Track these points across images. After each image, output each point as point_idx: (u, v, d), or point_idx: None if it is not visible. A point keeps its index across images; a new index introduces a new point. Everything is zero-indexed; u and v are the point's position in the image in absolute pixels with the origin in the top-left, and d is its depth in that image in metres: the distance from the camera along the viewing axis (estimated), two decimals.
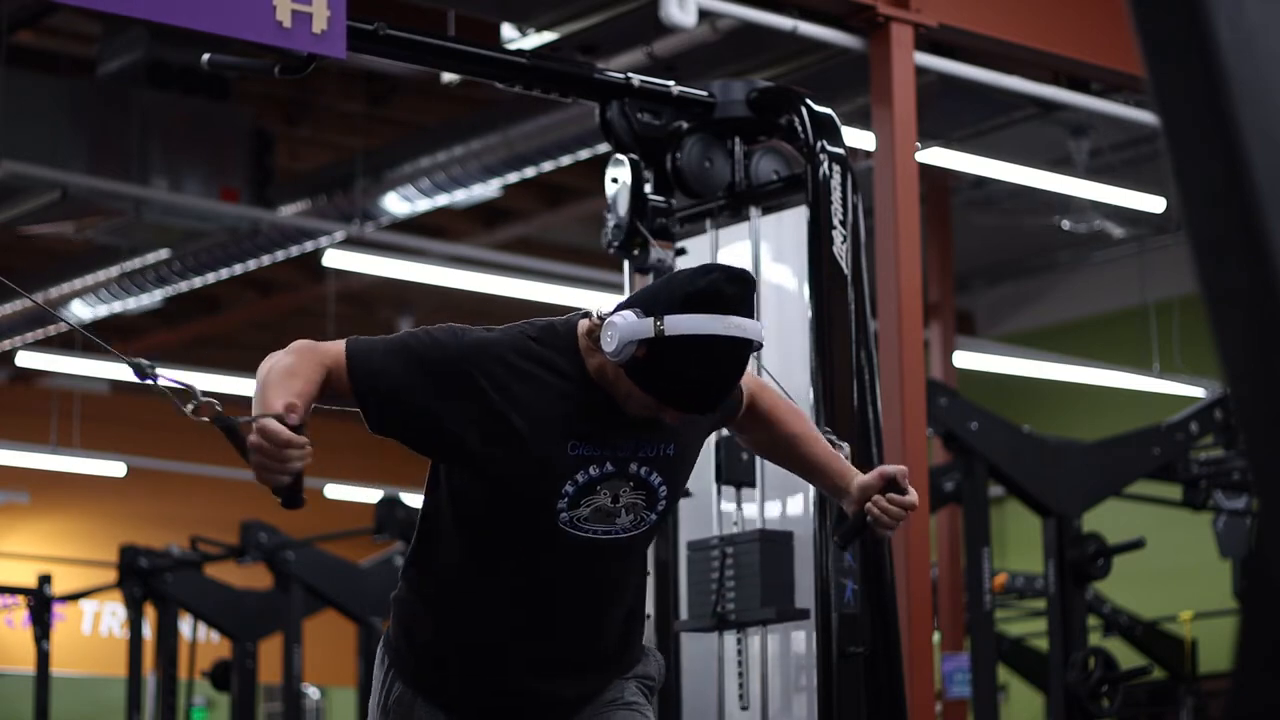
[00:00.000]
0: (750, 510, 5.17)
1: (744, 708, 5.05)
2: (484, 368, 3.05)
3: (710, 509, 5.20)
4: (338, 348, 3.09)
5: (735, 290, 3.01)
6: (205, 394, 2.96)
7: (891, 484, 3.30)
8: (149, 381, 3.01)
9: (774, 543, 4.98)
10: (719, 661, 5.15)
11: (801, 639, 5.05)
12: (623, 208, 5.14)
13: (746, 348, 3.03)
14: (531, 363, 3.08)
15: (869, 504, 3.29)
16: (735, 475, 5.12)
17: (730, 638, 5.10)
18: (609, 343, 3.01)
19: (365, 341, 3.12)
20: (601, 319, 3.06)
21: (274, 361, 3.05)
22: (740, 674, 5.06)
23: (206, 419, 2.95)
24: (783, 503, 5.15)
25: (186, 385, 2.98)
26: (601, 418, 3.09)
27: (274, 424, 2.86)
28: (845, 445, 3.76)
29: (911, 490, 3.31)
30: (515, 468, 3.05)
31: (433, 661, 3.23)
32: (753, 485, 5.14)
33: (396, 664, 3.27)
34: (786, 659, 5.09)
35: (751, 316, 3.03)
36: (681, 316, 2.97)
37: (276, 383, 2.99)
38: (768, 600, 4.93)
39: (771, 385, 3.58)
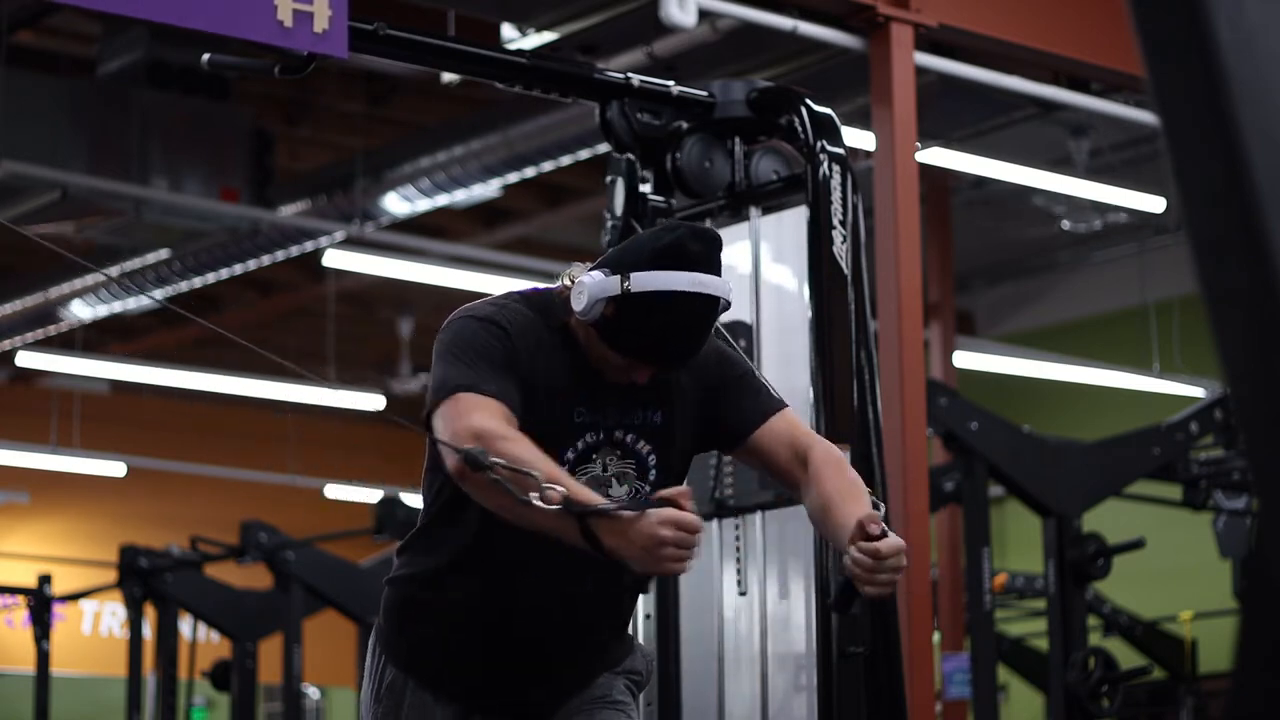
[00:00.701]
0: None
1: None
2: (510, 338, 3.06)
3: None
4: (463, 402, 2.97)
5: (699, 247, 3.04)
6: (547, 484, 2.81)
7: (860, 531, 2.93)
8: (486, 470, 2.84)
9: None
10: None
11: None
12: (619, 208, 5.15)
13: (711, 303, 3.04)
14: (541, 331, 3.10)
15: (853, 566, 2.94)
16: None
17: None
18: (579, 301, 3.05)
19: (456, 376, 3.01)
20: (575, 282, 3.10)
21: (504, 437, 2.90)
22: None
23: (557, 506, 2.80)
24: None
25: (527, 471, 2.82)
26: (592, 384, 3.10)
27: (686, 515, 2.78)
28: (883, 505, 3.21)
29: (890, 537, 2.92)
30: (531, 435, 2.97)
31: (425, 642, 3.22)
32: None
33: (388, 650, 3.26)
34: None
35: (717, 274, 3.05)
36: (647, 273, 3.01)
37: (544, 459, 2.88)
38: (765, 483, 4.96)
39: (838, 454, 3.24)
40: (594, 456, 3.10)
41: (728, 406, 3.22)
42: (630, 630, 3.40)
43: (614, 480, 3.11)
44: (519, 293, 3.19)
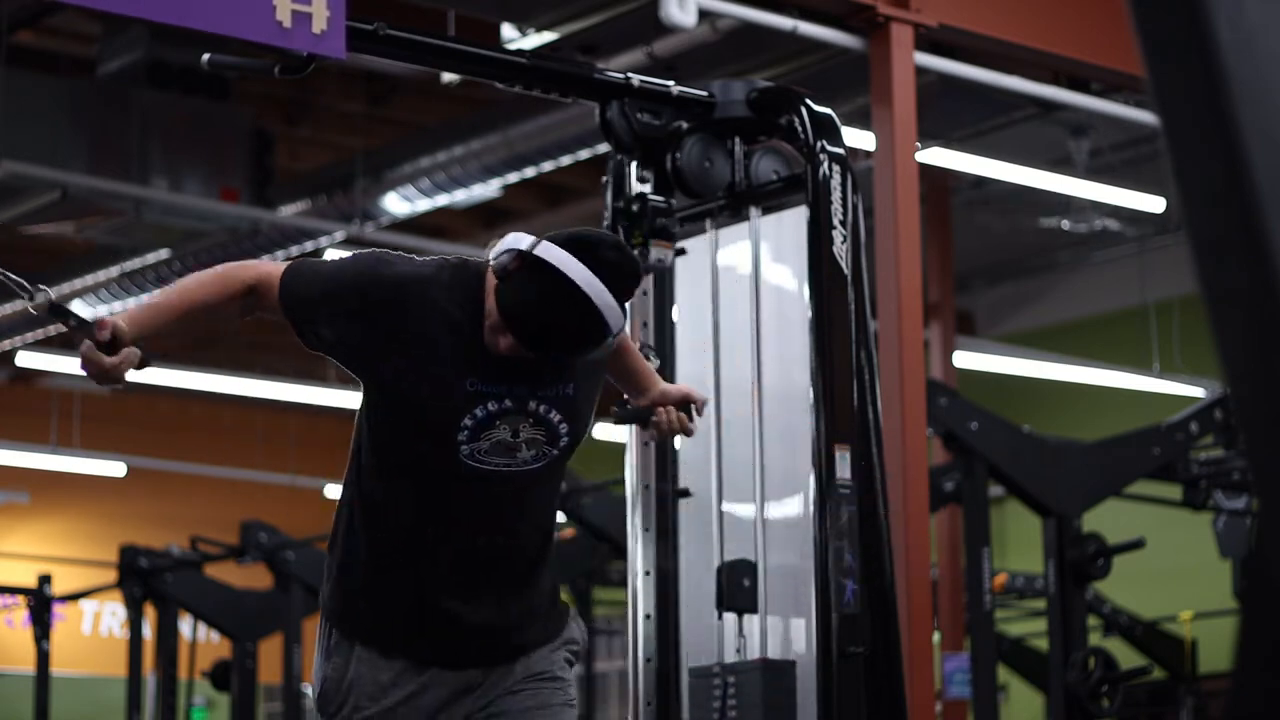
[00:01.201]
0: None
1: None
2: (400, 298, 3.24)
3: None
4: (274, 269, 3.30)
5: (614, 258, 3.17)
6: (39, 287, 3.09)
7: (687, 404, 3.70)
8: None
9: (776, 672, 4.94)
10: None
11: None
12: (609, 207, 5.16)
13: (593, 315, 3.13)
14: (444, 298, 3.26)
15: (661, 409, 3.69)
16: (736, 603, 5.02)
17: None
18: (493, 249, 3.21)
19: (301, 266, 3.33)
20: None
21: (188, 278, 3.31)
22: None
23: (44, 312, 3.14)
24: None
25: (21, 281, 3.12)
26: (502, 356, 3.22)
27: (87, 346, 3.09)
28: (656, 360, 4.17)
29: (697, 423, 3.73)
30: (418, 399, 3.24)
31: (359, 595, 3.38)
32: (754, 612, 5.03)
33: (331, 616, 3.41)
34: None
35: (617, 298, 3.15)
36: (556, 247, 3.15)
37: (153, 298, 3.29)
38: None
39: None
40: (498, 423, 3.25)
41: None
42: (562, 598, 3.59)
43: (523, 445, 3.28)
44: (448, 261, 3.35)
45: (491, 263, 3.19)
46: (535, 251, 3.14)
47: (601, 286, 3.12)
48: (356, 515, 3.36)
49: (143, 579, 11.14)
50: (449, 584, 3.33)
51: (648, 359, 3.76)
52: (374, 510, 3.34)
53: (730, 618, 5.07)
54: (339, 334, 3.27)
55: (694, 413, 3.71)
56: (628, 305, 3.22)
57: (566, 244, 3.16)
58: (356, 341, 3.27)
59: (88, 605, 16.23)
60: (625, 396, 3.79)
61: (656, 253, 5.12)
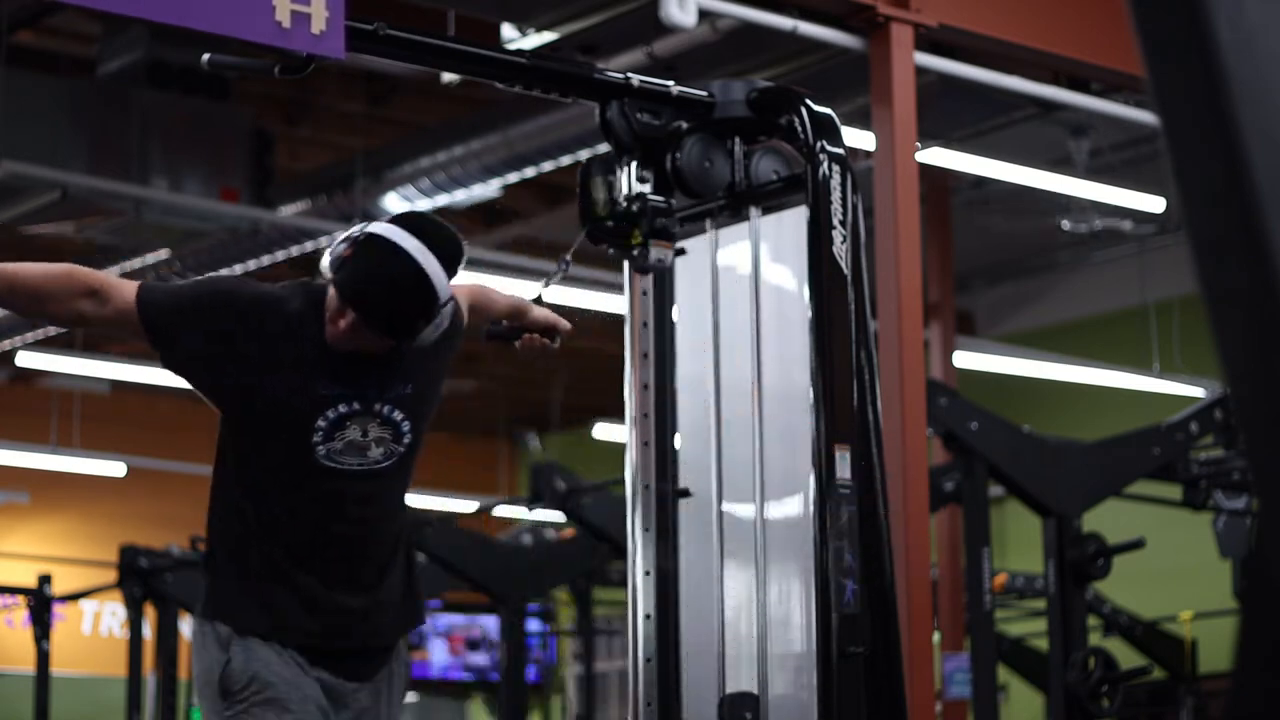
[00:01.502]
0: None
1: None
2: (258, 312, 3.58)
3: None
4: (125, 282, 3.59)
5: (434, 229, 3.55)
6: None
7: (551, 331, 4.22)
8: None
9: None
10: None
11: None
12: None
13: (426, 285, 3.48)
14: (295, 312, 3.61)
15: (527, 334, 4.18)
16: None
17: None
18: (331, 246, 3.56)
19: (156, 284, 3.69)
20: None
21: (33, 263, 3.56)
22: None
23: None
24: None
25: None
26: (349, 362, 3.59)
27: None
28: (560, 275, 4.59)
29: (555, 344, 4.20)
30: (276, 403, 3.57)
31: (239, 592, 3.65)
32: None
33: (216, 613, 3.67)
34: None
35: (444, 270, 3.52)
36: (383, 224, 3.55)
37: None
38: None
39: (476, 280, 4.26)
40: (348, 424, 3.59)
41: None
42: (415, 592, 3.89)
43: (372, 444, 3.62)
44: (300, 284, 3.70)
45: (328, 264, 3.54)
46: (365, 229, 3.53)
47: (428, 252, 3.48)
48: (228, 519, 3.66)
49: (143, 579, 11.14)
50: (319, 576, 3.63)
51: (551, 282, 4.35)
52: (242, 514, 3.63)
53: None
54: (199, 345, 3.57)
55: (559, 336, 4.21)
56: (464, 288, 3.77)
57: (391, 222, 3.54)
58: (218, 352, 3.56)
59: (88, 605, 16.24)
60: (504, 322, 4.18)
61: (656, 253, 5.11)
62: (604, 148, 4.99)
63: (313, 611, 3.63)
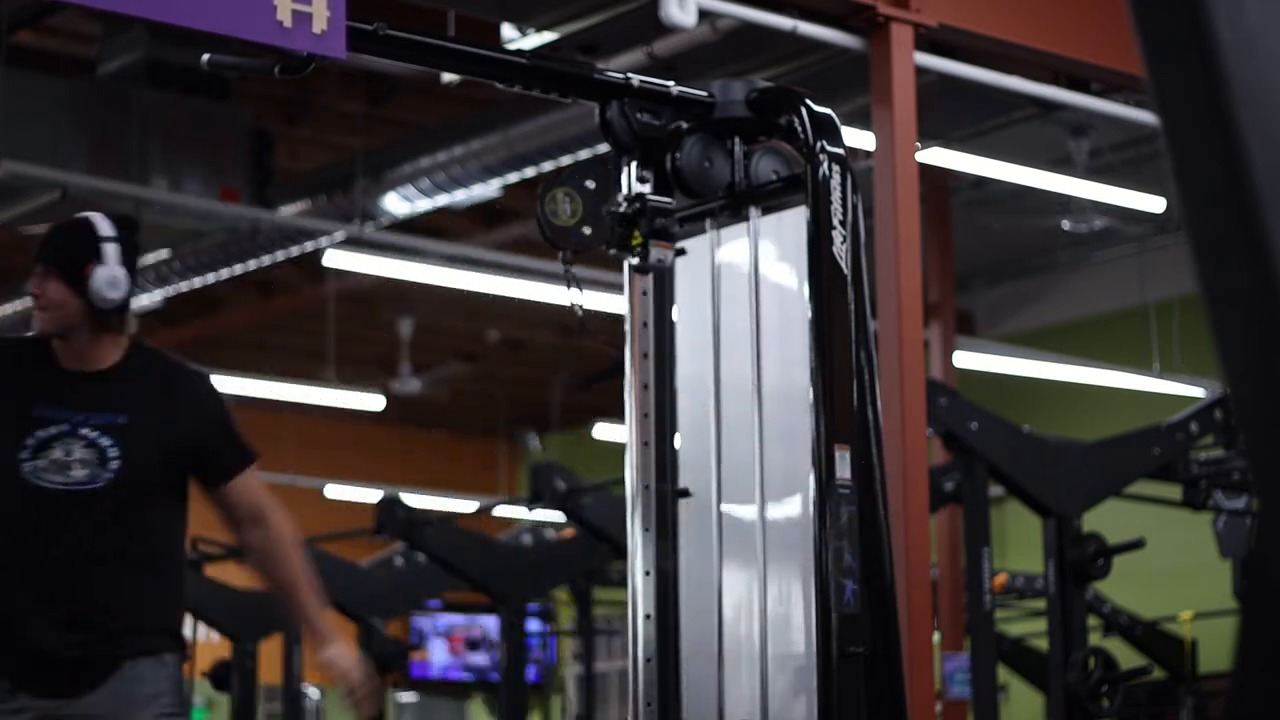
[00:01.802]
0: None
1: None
2: None
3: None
4: None
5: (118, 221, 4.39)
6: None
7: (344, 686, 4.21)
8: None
9: None
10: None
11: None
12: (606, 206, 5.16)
13: (84, 219, 4.43)
14: (20, 352, 4.08)
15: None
16: None
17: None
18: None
19: None
20: None
21: None
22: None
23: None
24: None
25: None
26: (60, 388, 3.95)
27: None
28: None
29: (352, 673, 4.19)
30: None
31: None
32: None
33: None
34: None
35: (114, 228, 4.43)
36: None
37: None
38: None
39: (289, 529, 4.46)
40: (54, 444, 3.90)
41: (210, 451, 4.15)
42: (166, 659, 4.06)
43: (75, 465, 3.90)
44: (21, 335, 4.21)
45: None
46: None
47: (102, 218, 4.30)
48: None
49: None
50: (27, 601, 3.85)
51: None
52: None
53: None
54: None
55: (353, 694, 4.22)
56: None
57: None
58: None
59: None
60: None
61: (656, 253, 5.11)
62: (604, 148, 5.00)
63: (14, 644, 3.84)
